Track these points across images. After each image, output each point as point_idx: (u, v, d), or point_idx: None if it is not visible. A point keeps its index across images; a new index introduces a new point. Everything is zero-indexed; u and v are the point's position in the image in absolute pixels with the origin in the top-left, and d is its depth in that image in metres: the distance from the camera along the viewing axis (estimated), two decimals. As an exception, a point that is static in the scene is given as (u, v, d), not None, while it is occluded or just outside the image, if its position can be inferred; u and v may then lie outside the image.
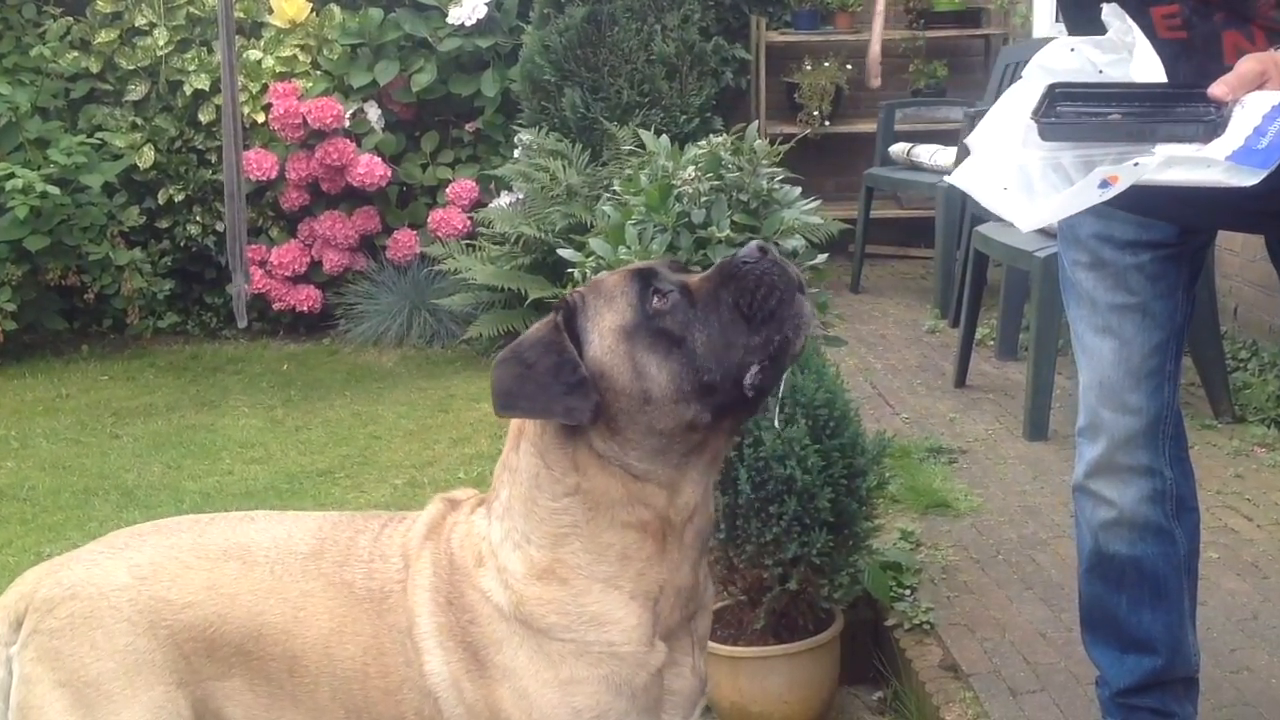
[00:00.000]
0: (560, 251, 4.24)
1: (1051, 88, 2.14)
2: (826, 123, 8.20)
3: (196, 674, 2.18)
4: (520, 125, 7.42)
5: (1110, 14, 2.13)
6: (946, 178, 2.23)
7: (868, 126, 8.05)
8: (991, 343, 6.22)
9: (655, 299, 2.03)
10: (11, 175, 6.97)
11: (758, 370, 2.01)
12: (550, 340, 2.04)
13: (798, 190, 4.01)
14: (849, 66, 8.33)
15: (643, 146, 5.11)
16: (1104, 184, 1.94)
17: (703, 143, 4.00)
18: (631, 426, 2.02)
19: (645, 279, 2.06)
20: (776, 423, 3.32)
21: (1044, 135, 2.07)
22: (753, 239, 3.95)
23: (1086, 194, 1.96)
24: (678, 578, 2.12)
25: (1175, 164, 1.92)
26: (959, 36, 8.49)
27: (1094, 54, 2.15)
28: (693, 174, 3.88)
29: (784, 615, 3.57)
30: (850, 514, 3.45)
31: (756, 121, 4.26)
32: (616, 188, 4.11)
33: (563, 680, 2.07)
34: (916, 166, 7.32)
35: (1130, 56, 2.12)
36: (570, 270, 4.02)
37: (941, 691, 3.39)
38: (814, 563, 3.41)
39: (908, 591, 3.83)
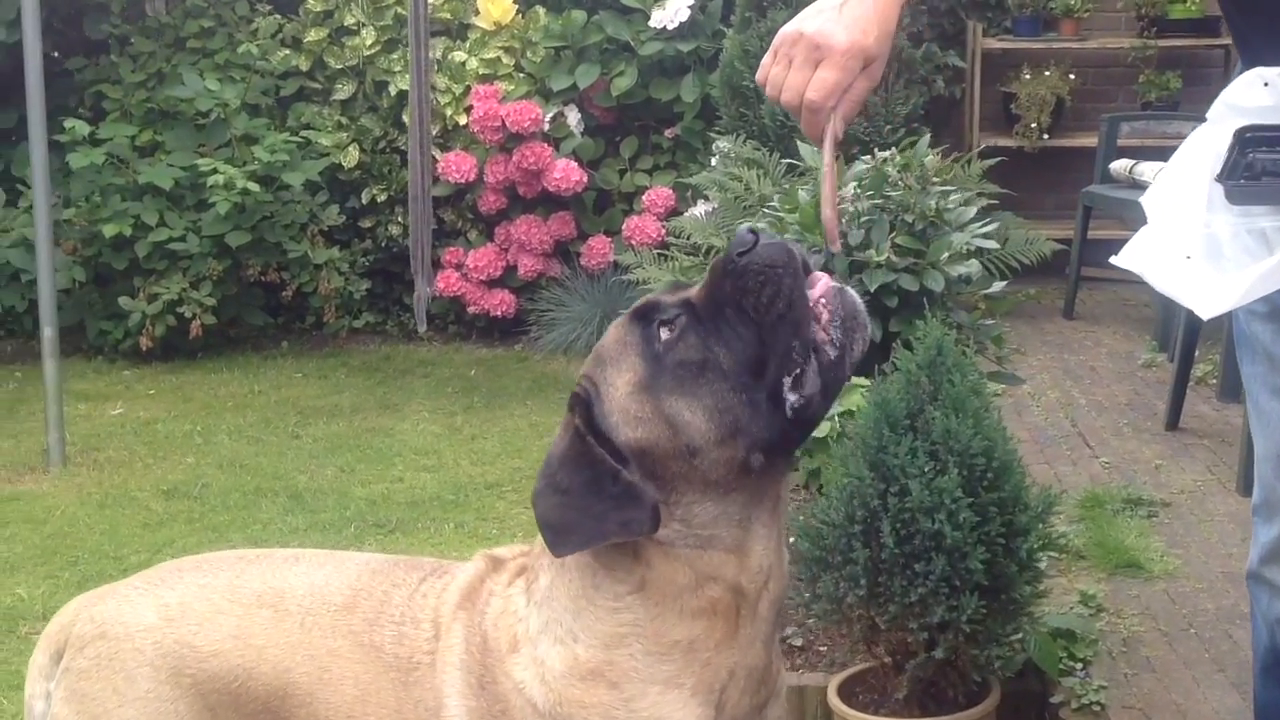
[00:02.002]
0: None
1: (1241, 133, 1.78)
2: (1045, 135, 7.72)
3: None
4: (718, 132, 7.16)
5: None
6: (1113, 258, 1.89)
7: (1091, 141, 7.54)
8: (1213, 381, 5.69)
9: (662, 332, 1.78)
10: (215, 171, 7.06)
11: (792, 383, 1.74)
12: (576, 453, 1.78)
13: (972, 210, 3.68)
14: (1072, 76, 7.83)
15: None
16: None
17: (867, 158, 3.70)
18: (689, 489, 1.77)
19: (645, 316, 1.81)
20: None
21: (1232, 199, 1.72)
22: (917, 264, 3.64)
23: None
24: (749, 657, 1.84)
25: None
26: (1195, 46, 7.89)
27: None
28: (854, 192, 3.59)
29: (932, 684, 3.24)
30: (1008, 577, 3.09)
31: (928, 134, 3.92)
32: (775, 203, 3.83)
33: None
34: (1139, 185, 6.79)
35: None
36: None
37: (1103, 785, 3.02)
38: (964, 630, 3.07)
39: (1079, 665, 3.44)
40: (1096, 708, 3.28)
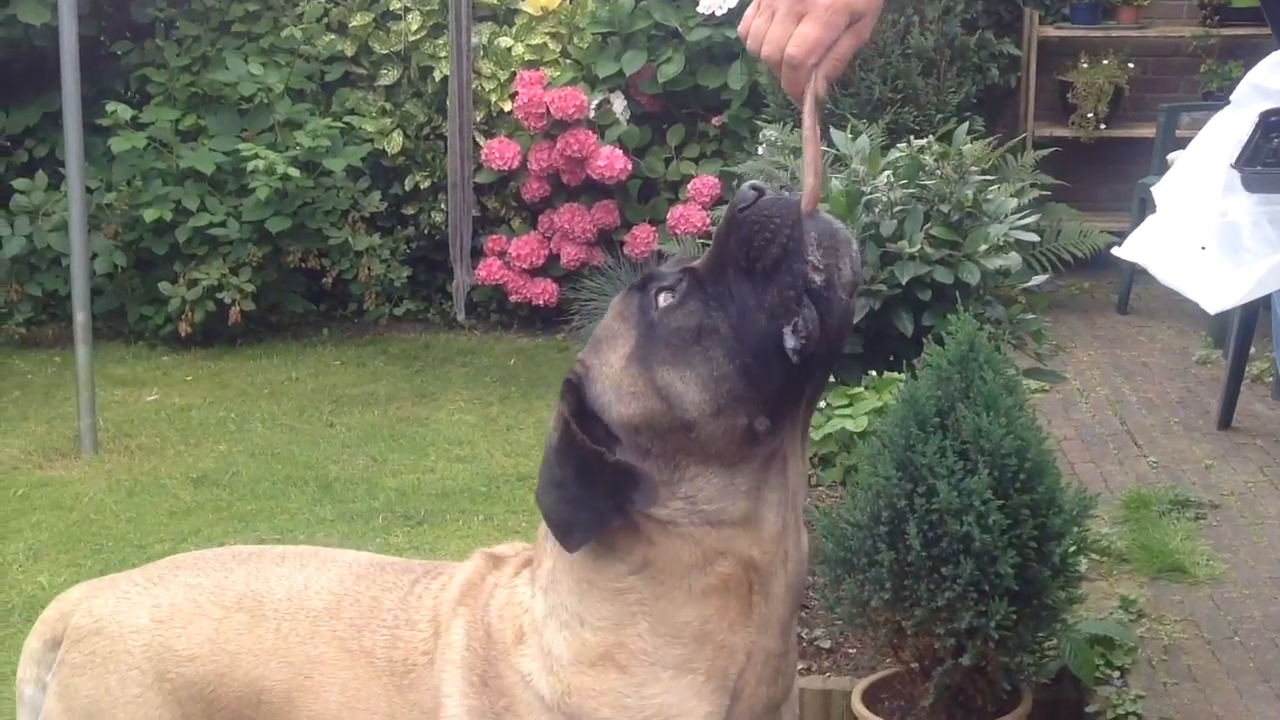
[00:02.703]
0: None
1: (1265, 116, 1.65)
2: (1102, 125, 7.53)
3: None
4: (766, 120, 7.02)
5: None
6: (1114, 249, 1.75)
7: (1149, 131, 7.34)
8: (1269, 380, 5.51)
9: (660, 298, 1.68)
10: (255, 156, 7.01)
11: (791, 329, 1.63)
12: (565, 443, 1.70)
13: (1012, 202, 3.53)
14: (1131, 65, 7.63)
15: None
16: None
17: (902, 145, 3.57)
18: (690, 463, 1.67)
19: (643, 286, 1.72)
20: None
21: (1249, 186, 1.60)
22: (952, 256, 3.50)
23: None
24: (766, 640, 1.73)
25: None
26: (1258, 36, 7.66)
27: None
28: (887, 180, 3.46)
29: (960, 691, 3.12)
30: (1040, 582, 2.96)
31: (967, 121, 3.78)
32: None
33: None
34: (1198, 177, 6.60)
35: None
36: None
37: (1137, 802, 2.88)
38: (993, 636, 2.94)
39: (1117, 673, 3.31)
40: (1133, 718, 3.14)
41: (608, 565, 1.72)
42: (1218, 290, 1.55)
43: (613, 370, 1.70)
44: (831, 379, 4.29)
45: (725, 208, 4.87)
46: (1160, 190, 1.72)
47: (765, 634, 1.73)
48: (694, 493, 1.68)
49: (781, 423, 1.67)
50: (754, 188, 1.68)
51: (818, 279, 1.64)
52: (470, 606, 1.85)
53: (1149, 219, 1.71)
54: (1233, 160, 1.61)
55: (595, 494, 1.67)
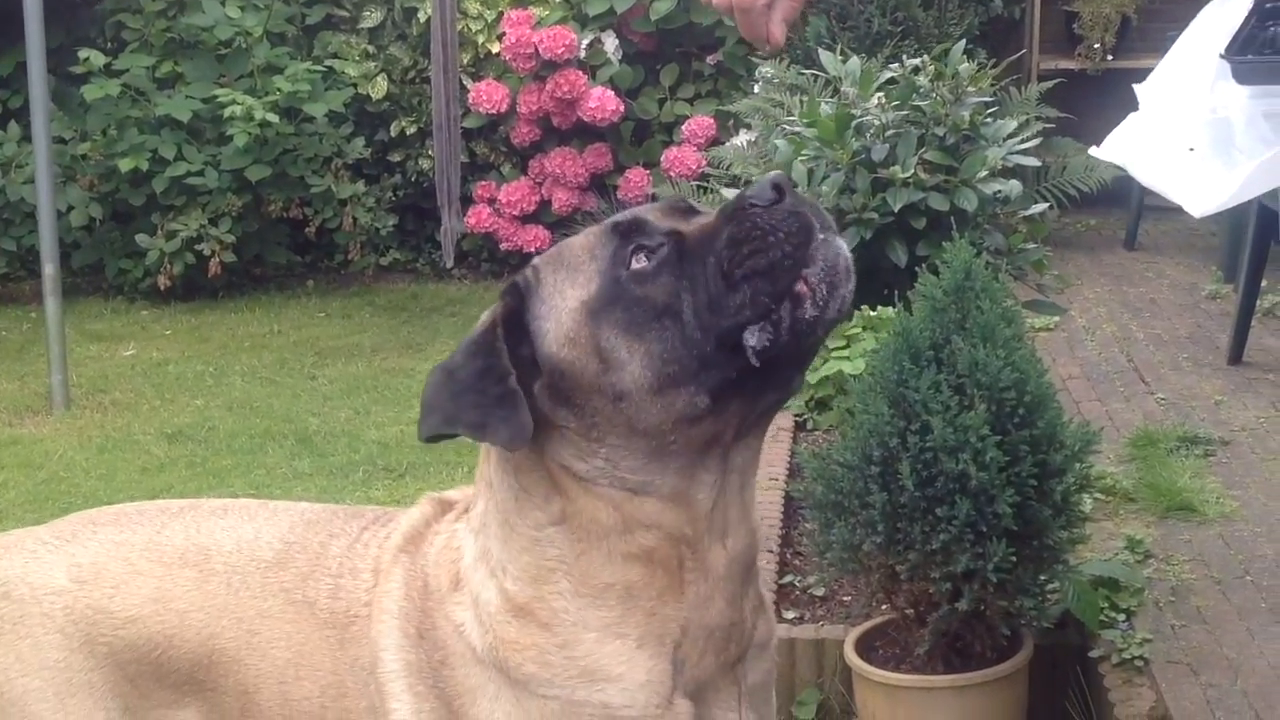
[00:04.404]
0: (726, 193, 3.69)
1: (1260, 3, 1.48)
2: (1109, 57, 7.33)
3: (146, 699, 1.82)
4: (762, 57, 6.83)
5: None
6: (1093, 149, 1.58)
7: (1157, 62, 7.11)
8: (1281, 313, 5.34)
9: (636, 259, 1.54)
10: (233, 102, 6.81)
11: (759, 331, 1.51)
12: (480, 340, 1.58)
13: (1011, 125, 3.34)
14: (1140, -8, 7.43)
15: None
16: None
17: (895, 65, 3.38)
18: (613, 431, 1.55)
19: (625, 234, 1.57)
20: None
21: (1240, 77, 1.43)
22: (948, 182, 3.31)
23: None
24: (706, 616, 1.61)
25: None
26: (1270, -43, 7.44)
27: None
28: (879, 103, 3.27)
29: (956, 638, 2.96)
30: (1040, 522, 2.80)
31: (963, 40, 3.58)
32: (794, 117, 3.52)
33: None
34: (1206, 107, 6.39)
35: None
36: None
37: (1144, 749, 2.73)
38: (991, 579, 2.77)
39: (1122, 616, 3.15)
40: (1139, 662, 3.00)
41: (527, 511, 1.62)
42: (1204, 193, 1.38)
43: (564, 307, 1.57)
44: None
45: (722, 149, 4.65)
46: (1144, 88, 1.55)
47: (705, 611, 1.61)
48: (615, 459, 1.57)
49: (724, 408, 1.54)
50: (776, 186, 1.54)
51: (811, 312, 1.52)
52: (411, 554, 1.75)
53: (1130, 117, 1.54)
54: (1223, 50, 1.43)
55: (470, 400, 1.55)
